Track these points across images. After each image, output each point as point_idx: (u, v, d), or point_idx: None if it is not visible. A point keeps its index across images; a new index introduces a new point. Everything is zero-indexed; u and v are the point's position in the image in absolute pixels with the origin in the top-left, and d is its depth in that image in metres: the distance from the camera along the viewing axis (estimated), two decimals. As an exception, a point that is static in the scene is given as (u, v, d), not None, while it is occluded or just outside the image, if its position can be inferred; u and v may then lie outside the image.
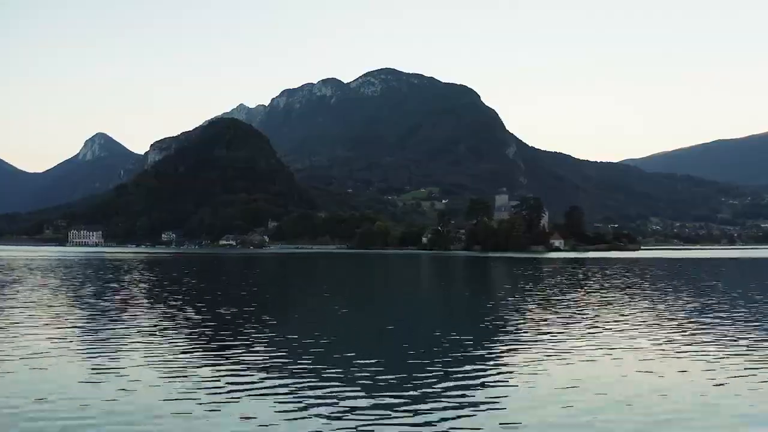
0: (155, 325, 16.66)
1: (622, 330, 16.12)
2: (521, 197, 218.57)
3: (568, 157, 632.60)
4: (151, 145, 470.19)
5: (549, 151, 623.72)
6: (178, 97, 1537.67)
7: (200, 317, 18.58)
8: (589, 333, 15.59)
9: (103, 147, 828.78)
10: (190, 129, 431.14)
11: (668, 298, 25.54)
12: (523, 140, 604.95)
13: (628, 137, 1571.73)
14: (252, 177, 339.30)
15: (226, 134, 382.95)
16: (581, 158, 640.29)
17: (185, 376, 10.45)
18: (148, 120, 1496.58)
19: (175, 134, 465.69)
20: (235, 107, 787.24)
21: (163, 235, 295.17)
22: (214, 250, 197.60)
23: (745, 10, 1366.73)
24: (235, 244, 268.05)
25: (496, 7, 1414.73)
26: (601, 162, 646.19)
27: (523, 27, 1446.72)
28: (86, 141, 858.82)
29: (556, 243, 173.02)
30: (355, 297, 29.14)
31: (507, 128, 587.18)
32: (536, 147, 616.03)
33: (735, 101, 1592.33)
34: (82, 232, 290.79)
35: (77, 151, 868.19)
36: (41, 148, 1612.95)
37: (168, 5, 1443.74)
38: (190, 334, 15.32)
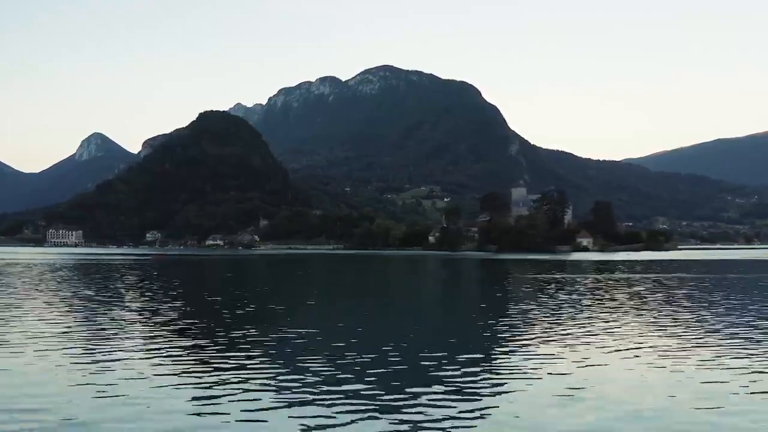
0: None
1: None
2: (543, 190, 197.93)
3: (570, 155, 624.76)
4: (144, 143, 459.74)
5: (550, 150, 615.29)
6: (175, 97, 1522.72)
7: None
8: None
9: (100, 147, 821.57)
10: (184, 126, 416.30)
11: None
12: (524, 138, 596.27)
13: (628, 136, 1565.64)
14: (244, 174, 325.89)
15: (217, 129, 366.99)
16: (582, 157, 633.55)
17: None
18: (145, 120, 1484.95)
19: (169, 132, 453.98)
20: (232, 106, 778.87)
21: (147, 235, 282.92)
22: (198, 251, 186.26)
23: (746, 7, 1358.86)
24: (222, 245, 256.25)
25: (495, 3, 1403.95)
26: (602, 161, 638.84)
27: (524, 23, 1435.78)
28: (82, 141, 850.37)
29: (584, 242, 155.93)
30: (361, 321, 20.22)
31: (509, 125, 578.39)
32: (537, 145, 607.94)
33: (735, 100, 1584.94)
34: (60, 231, 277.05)
35: (74, 151, 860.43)
36: (38, 149, 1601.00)
37: (165, 5, 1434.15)
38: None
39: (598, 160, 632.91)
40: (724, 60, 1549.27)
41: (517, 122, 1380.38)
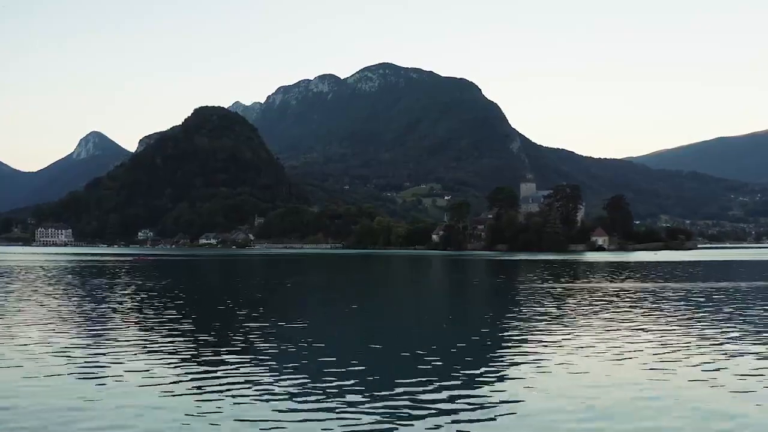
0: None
1: None
2: (555, 185, 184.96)
3: (572, 153, 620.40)
4: (140, 140, 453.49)
5: (552, 148, 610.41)
6: (173, 95, 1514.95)
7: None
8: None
9: (98, 146, 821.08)
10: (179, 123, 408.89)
11: None
12: (526, 135, 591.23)
13: (629, 135, 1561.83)
14: (236, 169, 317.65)
15: (211, 124, 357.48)
16: (583, 155, 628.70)
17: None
18: (143, 118, 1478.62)
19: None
20: (230, 105, 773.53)
21: (139, 234, 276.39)
22: (191, 251, 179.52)
23: (746, 7, 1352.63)
24: (215, 243, 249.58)
25: (495, 2, 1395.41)
26: (605, 159, 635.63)
27: (524, 20, 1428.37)
28: (81, 140, 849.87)
29: (599, 241, 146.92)
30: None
31: (510, 123, 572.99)
32: (538, 143, 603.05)
33: (736, 99, 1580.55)
34: (49, 230, 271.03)
35: (72, 150, 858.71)
36: (36, 148, 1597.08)
37: (165, 4, 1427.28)
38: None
39: (599, 159, 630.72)
40: (725, 59, 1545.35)
41: (518, 120, 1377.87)
